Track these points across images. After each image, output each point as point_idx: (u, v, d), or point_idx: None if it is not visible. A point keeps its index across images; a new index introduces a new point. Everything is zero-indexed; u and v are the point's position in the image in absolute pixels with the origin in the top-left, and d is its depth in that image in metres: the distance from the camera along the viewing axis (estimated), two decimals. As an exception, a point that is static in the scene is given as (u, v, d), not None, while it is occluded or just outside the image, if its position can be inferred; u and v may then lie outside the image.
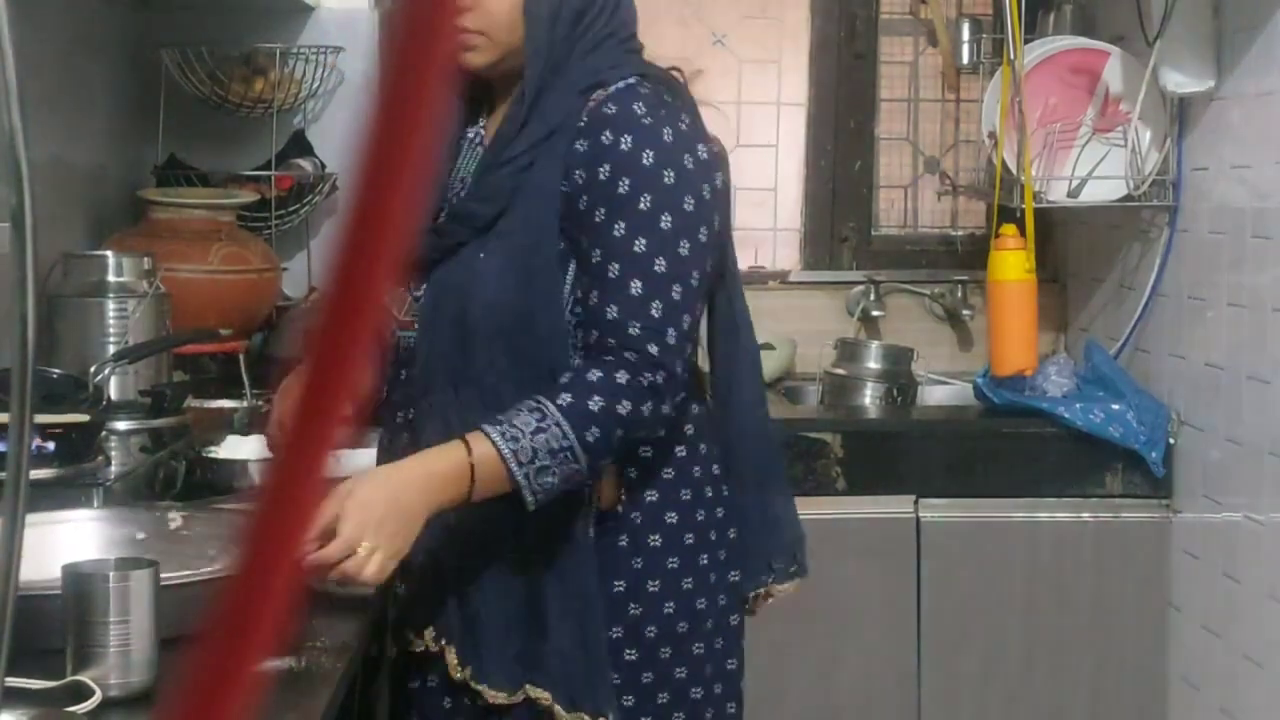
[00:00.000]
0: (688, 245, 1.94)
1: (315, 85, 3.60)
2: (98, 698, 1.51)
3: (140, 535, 1.98)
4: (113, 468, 2.29)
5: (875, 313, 4.03)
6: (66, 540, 1.89)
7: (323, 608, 1.87)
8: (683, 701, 2.05)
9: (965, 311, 4.04)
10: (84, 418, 2.25)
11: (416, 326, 2.00)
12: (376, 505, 1.78)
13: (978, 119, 3.75)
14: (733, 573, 2.12)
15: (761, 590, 2.20)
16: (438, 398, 1.98)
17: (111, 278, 2.80)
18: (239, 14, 3.57)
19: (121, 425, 2.46)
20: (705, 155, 2.00)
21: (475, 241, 1.98)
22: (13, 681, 1.44)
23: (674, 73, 2.14)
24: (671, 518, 2.03)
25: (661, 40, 4.17)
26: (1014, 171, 3.46)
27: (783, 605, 3.26)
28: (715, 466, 2.10)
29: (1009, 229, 3.44)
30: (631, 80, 2.00)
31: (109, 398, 2.53)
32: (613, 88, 1.98)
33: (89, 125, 3.26)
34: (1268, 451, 2.92)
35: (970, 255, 4.03)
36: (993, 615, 3.36)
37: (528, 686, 1.96)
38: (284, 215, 3.55)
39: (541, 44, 1.99)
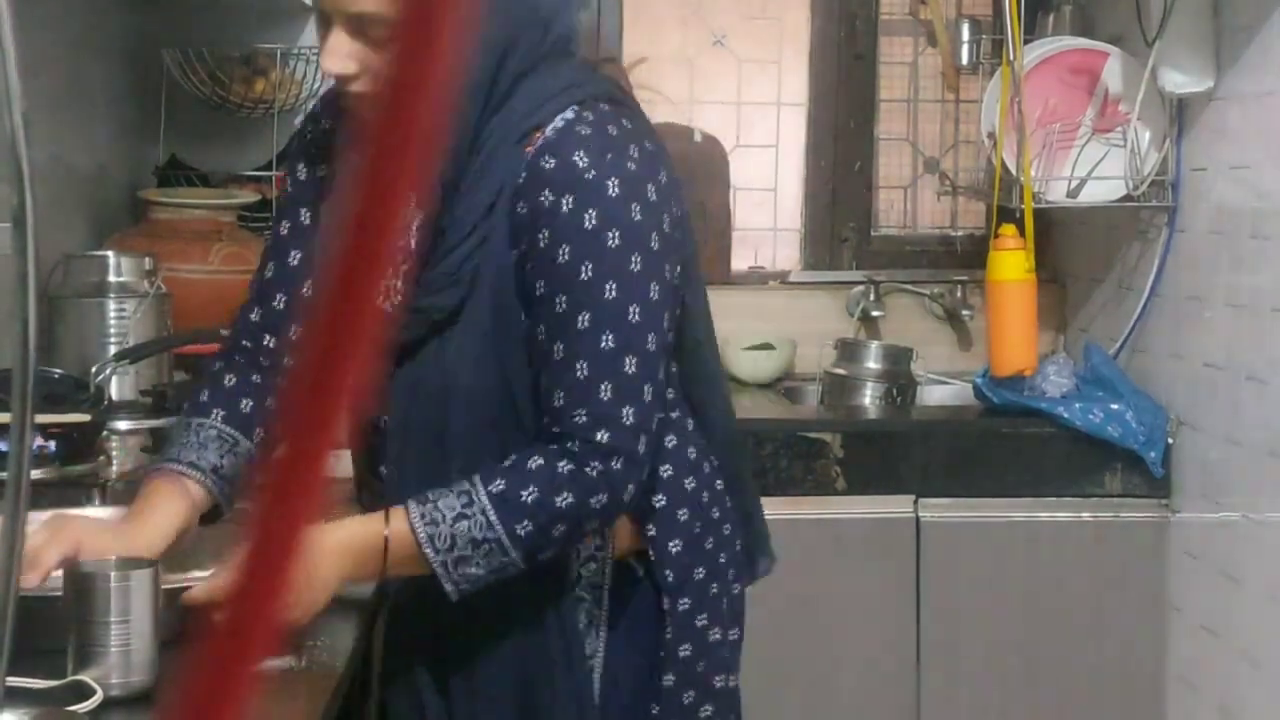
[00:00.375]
0: (638, 310, 1.78)
1: (316, 86, 3.60)
2: (99, 697, 1.52)
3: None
4: (113, 468, 2.29)
5: (875, 313, 4.03)
6: (67, 540, 1.89)
7: (323, 607, 1.87)
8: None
9: (965, 311, 4.04)
10: (85, 418, 2.26)
11: (388, 426, 1.85)
12: (315, 582, 1.69)
13: (977, 119, 3.75)
14: (734, 586, 2.05)
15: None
16: (410, 492, 1.80)
17: (112, 278, 2.81)
18: (240, 14, 3.57)
19: (122, 425, 2.46)
20: (654, 195, 1.80)
21: (442, 334, 1.82)
22: (14, 681, 1.44)
23: (608, 64, 1.95)
24: (700, 572, 1.93)
25: (662, 40, 4.17)
26: (1013, 172, 3.46)
27: (783, 605, 3.27)
28: (719, 482, 2.00)
29: (1008, 229, 3.44)
30: (569, 116, 1.79)
31: (110, 398, 2.53)
32: (549, 129, 1.78)
33: (90, 125, 3.26)
34: (1267, 452, 2.92)
35: (970, 255, 4.03)
36: (992, 615, 3.36)
37: None
38: (284, 215, 3.54)
39: (469, 114, 1.78)
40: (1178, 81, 3.22)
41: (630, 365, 1.77)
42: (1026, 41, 3.46)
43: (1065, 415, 3.31)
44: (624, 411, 1.76)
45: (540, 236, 1.77)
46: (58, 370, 2.52)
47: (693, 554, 1.94)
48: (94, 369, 2.49)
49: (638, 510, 1.87)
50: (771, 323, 4.01)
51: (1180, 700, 3.31)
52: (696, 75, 4.12)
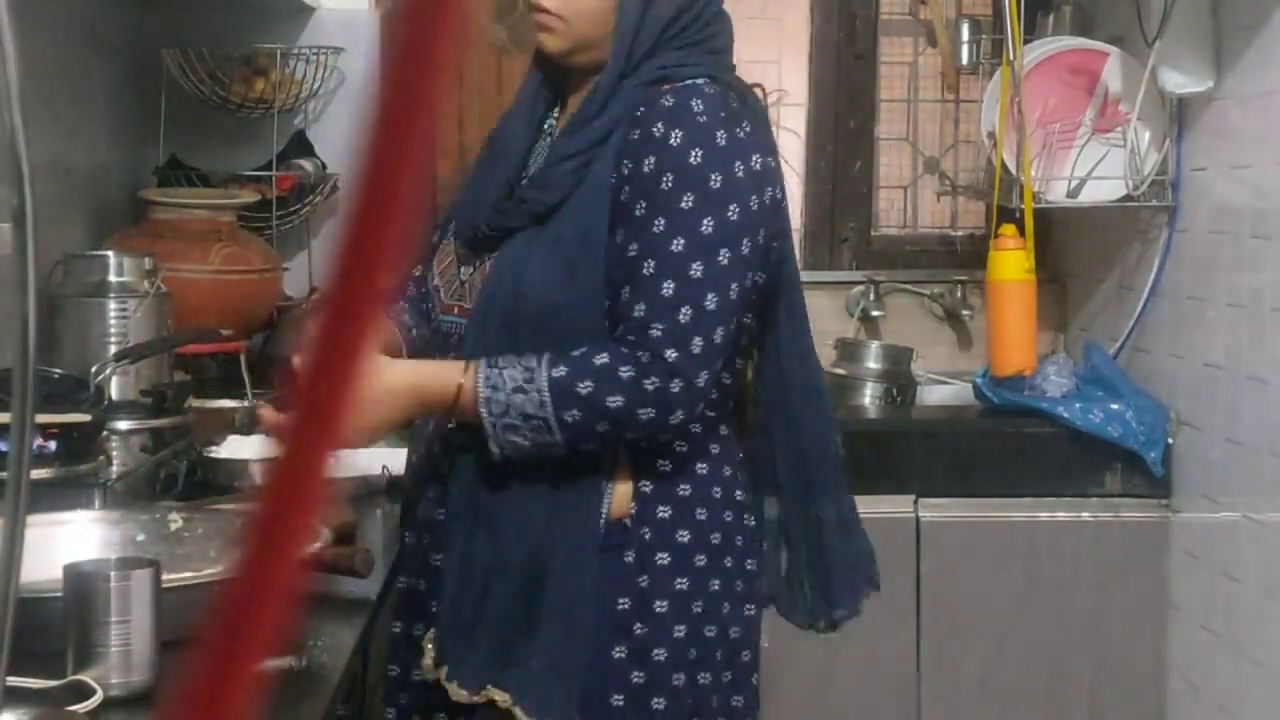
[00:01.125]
0: (728, 255, 1.88)
1: (316, 86, 3.60)
2: (99, 697, 1.52)
3: (140, 536, 1.98)
4: (114, 468, 2.29)
5: (875, 313, 4.04)
6: (67, 540, 1.90)
7: (323, 608, 1.88)
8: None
9: (965, 311, 4.04)
10: (85, 418, 2.26)
11: (468, 312, 1.99)
12: (372, 390, 1.83)
13: (977, 119, 3.75)
14: (748, 607, 2.04)
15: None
16: None
17: (113, 278, 2.80)
18: (240, 14, 3.57)
19: (122, 425, 2.46)
20: (759, 167, 1.92)
21: (530, 231, 1.95)
22: (14, 681, 1.44)
23: (755, 88, 2.08)
24: (683, 536, 1.96)
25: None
26: (1013, 172, 3.46)
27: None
28: (739, 493, 2.02)
29: (1008, 229, 3.44)
30: (700, 80, 1.94)
31: (110, 398, 2.53)
32: (678, 84, 1.93)
33: (90, 125, 3.26)
34: (1267, 451, 2.92)
35: (970, 255, 4.04)
36: (992, 614, 3.36)
37: (490, 688, 1.90)
38: (285, 215, 3.55)
39: (624, 48, 1.95)
40: (1178, 81, 3.22)
41: (711, 301, 1.86)
42: (1026, 41, 3.46)
43: (1065, 415, 3.31)
44: (695, 340, 1.85)
45: (646, 162, 1.88)
46: (58, 370, 2.51)
47: (686, 531, 1.96)
48: (94, 369, 2.49)
49: (638, 462, 1.94)
50: (771, 323, 4.01)
51: (1180, 700, 3.31)
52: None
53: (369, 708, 2.14)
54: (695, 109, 1.90)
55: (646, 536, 1.94)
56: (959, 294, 4.06)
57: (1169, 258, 3.41)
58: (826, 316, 4.04)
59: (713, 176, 1.87)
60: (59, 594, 1.57)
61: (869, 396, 3.76)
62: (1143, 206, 3.47)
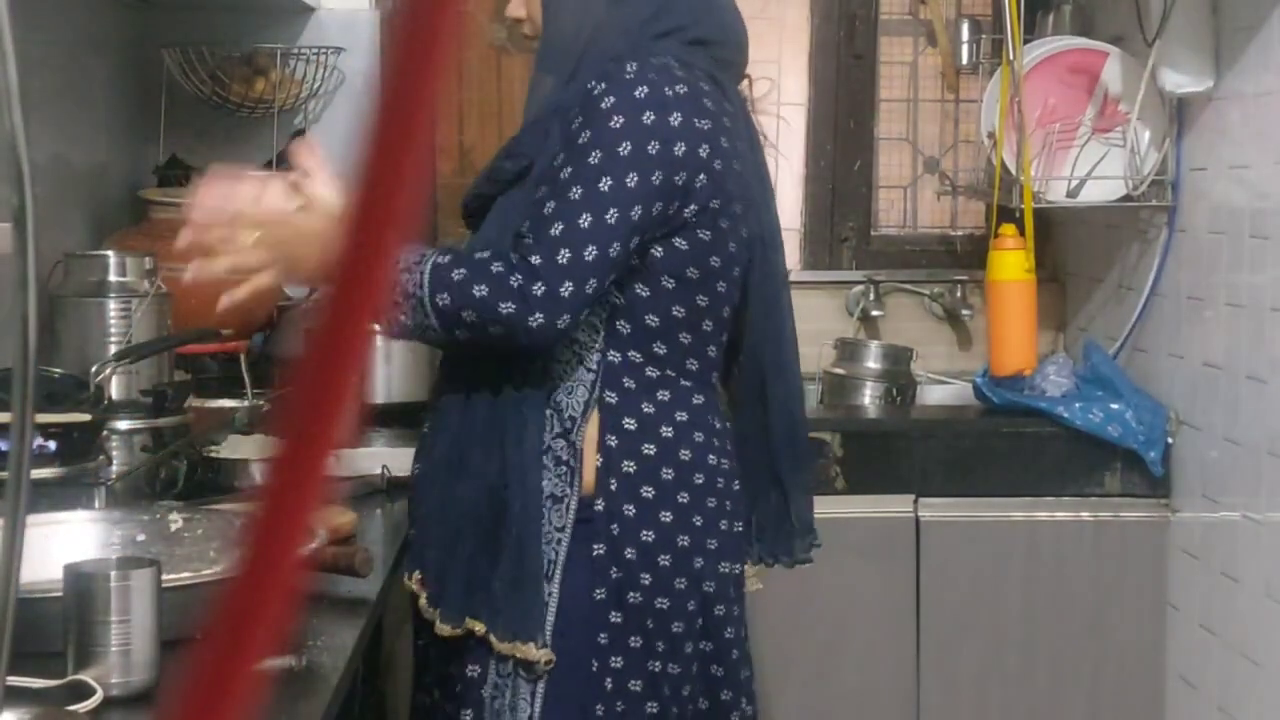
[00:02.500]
0: (609, 183, 1.99)
1: (316, 85, 3.60)
2: (99, 697, 1.52)
3: (140, 536, 1.98)
4: (114, 467, 2.29)
5: (875, 312, 4.04)
6: (67, 540, 1.89)
7: (323, 608, 1.88)
8: (656, 679, 2.09)
9: (964, 311, 4.05)
10: (85, 417, 2.25)
11: None
12: (291, 234, 2.02)
13: (977, 119, 3.75)
14: (724, 564, 2.15)
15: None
16: None
17: (113, 277, 2.80)
18: (240, 14, 3.57)
19: (123, 425, 2.46)
20: (680, 152, 2.03)
21: (503, 197, 2.11)
22: (14, 681, 1.44)
23: (727, 66, 2.21)
24: (648, 492, 2.08)
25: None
26: (1013, 171, 3.46)
27: (783, 605, 3.27)
28: (713, 457, 2.13)
29: (1008, 229, 3.44)
30: (657, 60, 2.05)
31: (110, 397, 2.53)
32: (634, 57, 2.06)
33: (90, 125, 3.26)
34: (1266, 451, 2.92)
35: (970, 255, 4.04)
36: (992, 614, 3.36)
37: (467, 619, 2.05)
38: (284, 215, 3.54)
39: (565, 41, 2.10)
40: (1177, 81, 3.22)
41: (584, 220, 1.98)
42: (1026, 41, 3.46)
43: (1065, 415, 3.31)
44: (561, 253, 1.97)
45: (575, 119, 2.02)
46: (58, 370, 2.51)
47: (651, 488, 2.08)
48: (94, 369, 2.49)
49: (605, 420, 2.06)
50: (771, 322, 4.01)
51: (1180, 700, 3.32)
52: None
53: (370, 708, 2.15)
54: (628, 70, 2.02)
55: (613, 487, 2.07)
56: (959, 294, 4.06)
57: (1168, 257, 3.41)
58: (826, 316, 4.04)
59: (614, 118, 2.00)
60: (59, 594, 1.57)
61: (869, 396, 3.76)
62: (1142, 206, 3.47)
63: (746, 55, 2.29)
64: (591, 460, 2.06)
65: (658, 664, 2.08)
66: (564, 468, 2.05)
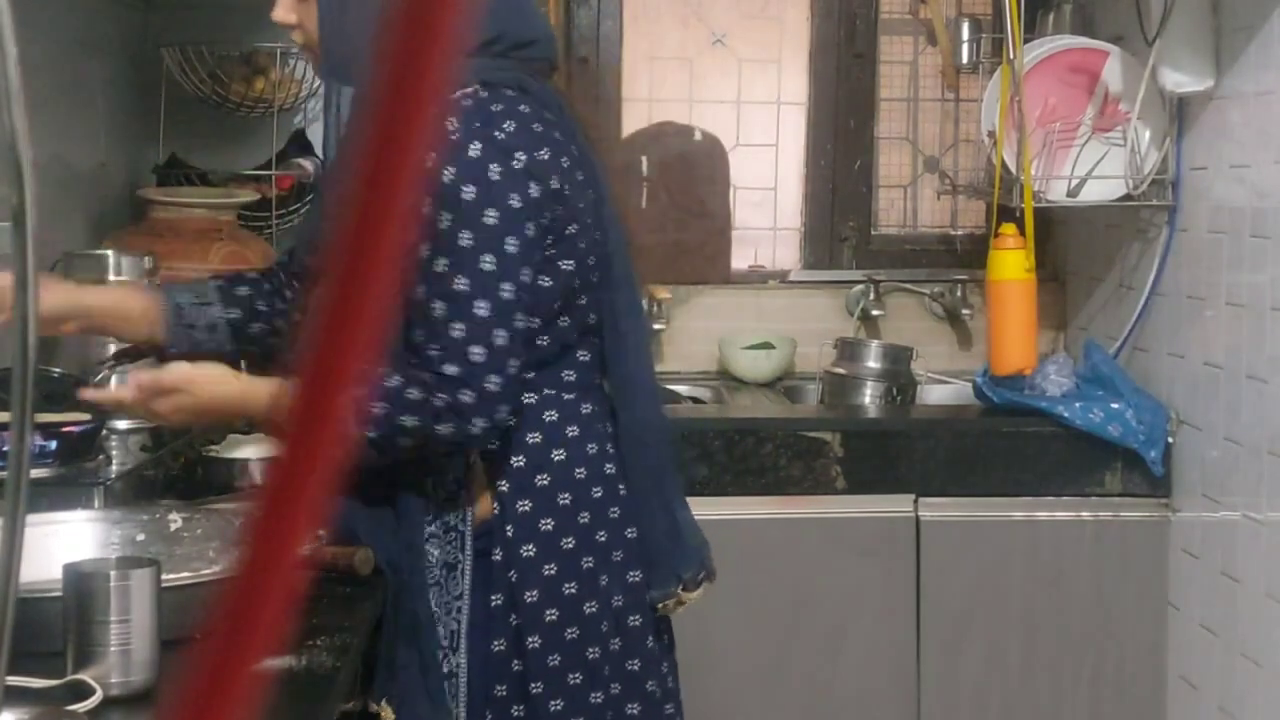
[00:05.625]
0: (492, 259, 1.94)
1: (315, 85, 3.60)
2: (98, 696, 1.52)
3: (140, 536, 1.98)
4: (113, 467, 2.29)
5: (875, 312, 4.04)
6: (67, 540, 1.89)
7: (323, 607, 1.87)
8: (580, 705, 2.06)
9: (965, 311, 4.04)
10: (85, 417, 2.25)
11: None
12: (201, 404, 1.99)
13: (977, 118, 3.75)
14: (631, 573, 2.12)
15: (671, 600, 2.19)
16: None
17: (112, 277, 2.80)
18: (239, 13, 3.56)
19: (122, 424, 2.46)
20: (519, 165, 1.97)
21: None
22: (14, 680, 1.44)
23: (553, 71, 2.14)
24: (547, 524, 2.05)
25: (662, 40, 4.17)
26: (1013, 171, 3.46)
27: (783, 604, 3.27)
28: (609, 466, 2.10)
29: (1008, 228, 3.44)
30: (467, 92, 2.00)
31: (109, 397, 2.52)
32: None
33: (89, 125, 3.26)
34: (1266, 450, 2.92)
35: (970, 254, 4.04)
36: (992, 614, 3.36)
37: (384, 701, 2.01)
38: (284, 215, 3.55)
39: (331, 53, 2.08)
40: (1178, 80, 3.22)
41: (481, 308, 1.93)
42: (1026, 40, 3.46)
43: (1065, 414, 3.31)
44: (472, 350, 1.93)
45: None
46: (58, 370, 2.51)
47: (550, 519, 2.05)
48: (94, 368, 2.49)
49: (493, 464, 2.03)
50: (771, 322, 4.01)
51: (1180, 700, 3.31)
52: (696, 75, 4.12)
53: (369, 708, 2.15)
54: (449, 128, 1.94)
55: (510, 533, 2.04)
56: (959, 293, 4.06)
57: (1169, 257, 3.40)
58: (826, 316, 4.04)
59: (464, 189, 1.94)
60: (59, 594, 1.57)
61: (869, 396, 3.76)
62: (1143, 206, 3.46)
63: (557, 49, 2.20)
64: (486, 501, 2.05)
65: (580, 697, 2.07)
66: (453, 534, 2.03)
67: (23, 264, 0.79)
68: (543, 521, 2.05)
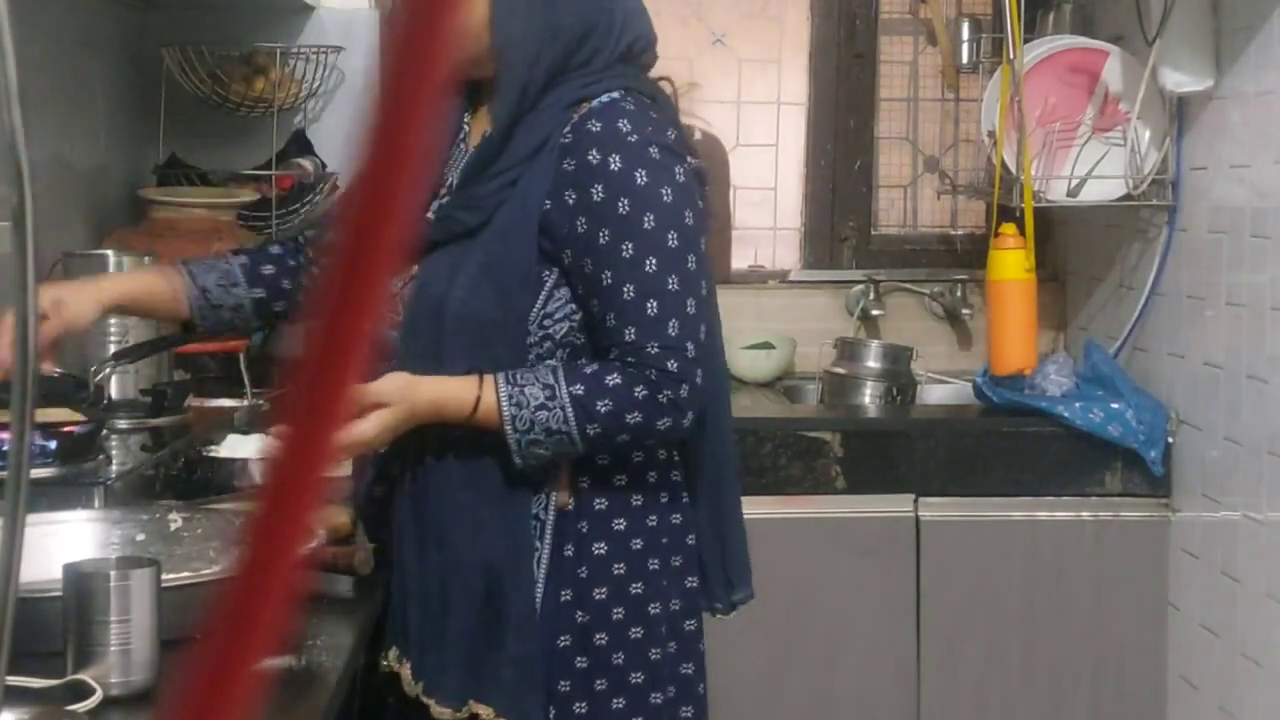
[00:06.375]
0: (694, 259, 2.00)
1: (316, 85, 3.60)
2: (98, 696, 1.52)
3: (140, 536, 1.98)
4: (113, 467, 2.29)
5: (875, 312, 4.04)
6: (67, 540, 1.89)
7: (323, 607, 1.88)
8: (640, 706, 2.07)
9: (965, 311, 4.04)
10: (84, 417, 2.25)
11: (396, 324, 2.05)
12: (395, 409, 1.93)
13: (977, 118, 3.75)
14: (690, 579, 2.13)
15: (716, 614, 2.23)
16: None
17: (112, 277, 2.80)
18: (239, 13, 3.57)
19: (122, 424, 2.46)
20: (683, 178, 2.02)
21: (456, 245, 2.03)
22: (14, 680, 1.44)
23: (663, 83, 2.16)
24: (619, 524, 2.06)
25: (662, 40, 4.16)
26: (1013, 171, 3.46)
27: (783, 604, 3.27)
28: (675, 473, 2.12)
29: (1008, 228, 3.44)
30: (616, 95, 2.02)
31: (109, 397, 2.53)
32: (596, 102, 2.01)
33: (89, 124, 3.26)
34: (1266, 450, 2.92)
35: (970, 254, 4.04)
36: (992, 614, 3.36)
37: (472, 702, 1.99)
38: (284, 214, 3.54)
39: (519, 69, 2.02)
40: (1178, 80, 3.22)
41: (690, 306, 1.98)
42: (1026, 40, 3.46)
43: (1065, 414, 3.31)
44: (688, 346, 1.97)
45: (594, 190, 1.97)
46: (58, 369, 2.51)
47: (623, 519, 2.06)
48: (94, 368, 2.49)
49: (580, 459, 2.03)
50: (771, 322, 4.01)
51: (1180, 700, 3.31)
52: (696, 75, 4.12)
53: (369, 708, 2.14)
54: (624, 130, 1.99)
55: (584, 529, 2.05)
56: (959, 293, 4.06)
57: (1169, 257, 3.41)
58: (826, 316, 4.04)
59: (663, 192, 1.98)
60: (59, 593, 1.57)
61: (869, 396, 3.76)
62: (1143, 206, 3.47)
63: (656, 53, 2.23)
64: (563, 500, 2.05)
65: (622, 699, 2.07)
66: (535, 522, 2.04)
67: (23, 264, 0.79)
68: (615, 521, 2.06)
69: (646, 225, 1.97)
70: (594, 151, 1.97)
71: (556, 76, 2.02)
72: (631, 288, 1.97)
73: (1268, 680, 2.93)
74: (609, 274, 1.97)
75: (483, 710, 1.99)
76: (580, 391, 1.94)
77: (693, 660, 2.14)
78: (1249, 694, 3.00)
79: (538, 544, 2.03)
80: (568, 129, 1.99)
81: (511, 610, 1.99)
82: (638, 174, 1.97)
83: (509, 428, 1.95)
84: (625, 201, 1.96)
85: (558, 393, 1.94)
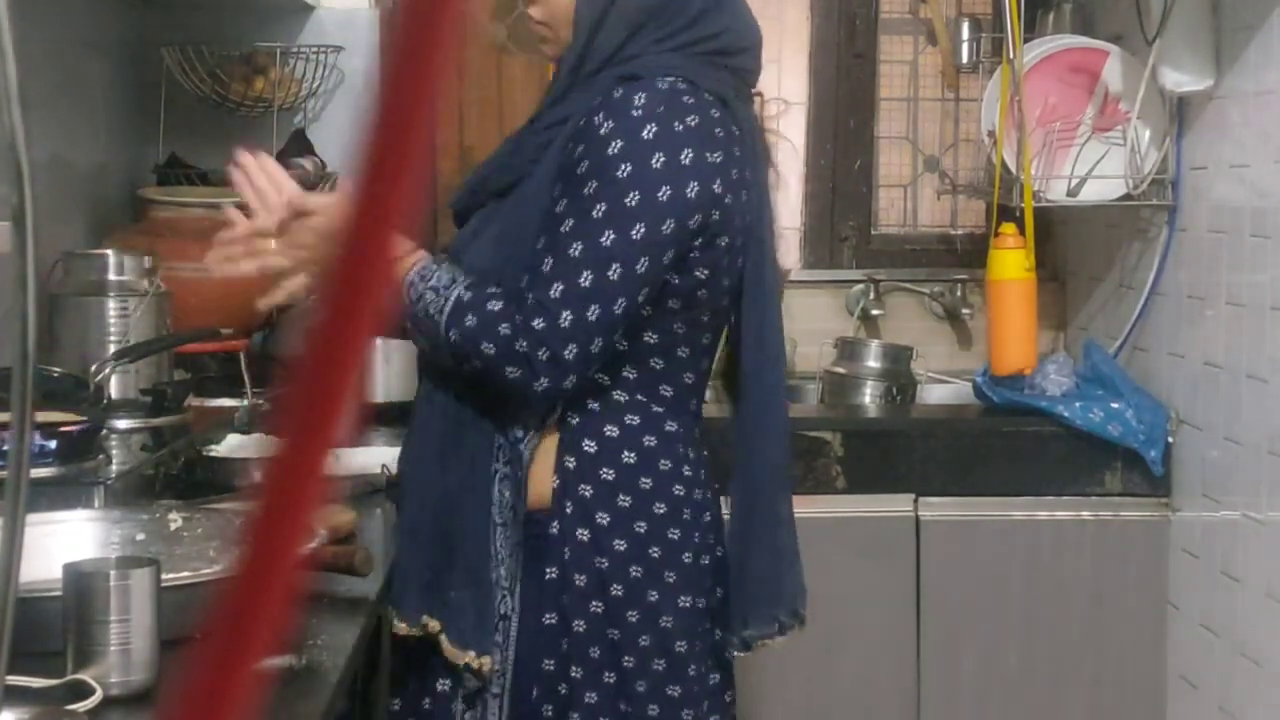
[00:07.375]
0: (612, 236, 1.95)
1: (315, 84, 3.60)
2: (98, 696, 1.51)
3: (140, 535, 1.98)
4: (113, 467, 2.29)
5: (875, 312, 4.04)
6: (67, 540, 1.89)
7: (323, 608, 1.87)
8: (607, 708, 2.04)
9: (965, 310, 4.05)
10: (84, 417, 2.25)
11: None
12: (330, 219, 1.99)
13: (977, 118, 3.75)
14: (684, 598, 2.08)
15: (756, 643, 2.16)
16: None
17: (112, 276, 2.80)
18: (239, 13, 3.57)
19: (122, 424, 2.46)
20: (687, 160, 1.96)
21: (489, 207, 2.08)
22: (13, 680, 1.44)
23: (755, 95, 2.16)
24: (602, 519, 2.04)
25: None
26: (1013, 170, 3.46)
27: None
28: (679, 488, 2.07)
29: (1008, 228, 3.44)
30: (659, 77, 1.99)
31: (110, 396, 2.53)
32: (642, 80, 1.99)
33: (89, 124, 3.26)
34: (1266, 450, 2.92)
35: (970, 254, 4.04)
36: (992, 614, 3.36)
37: (424, 616, 2.03)
38: (284, 214, 3.54)
39: (580, 42, 2.04)
40: (1178, 80, 3.22)
41: (586, 279, 1.94)
42: (1026, 40, 3.46)
43: (1065, 414, 3.31)
44: (564, 315, 1.94)
45: (578, 149, 1.97)
46: (58, 369, 2.51)
47: (605, 515, 2.04)
48: (94, 368, 2.49)
49: (567, 437, 2.04)
50: (771, 322, 4.01)
51: (1180, 699, 3.31)
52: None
53: (369, 708, 2.14)
54: (635, 102, 1.96)
55: (568, 510, 2.04)
56: (959, 293, 4.06)
57: (1169, 257, 3.40)
58: (826, 315, 4.04)
59: (622, 166, 1.94)
60: (58, 593, 1.57)
61: (869, 395, 3.76)
62: (1143, 205, 3.47)
63: (761, 62, 2.22)
64: (548, 480, 2.03)
65: (611, 700, 2.05)
66: (515, 483, 2.04)
67: (23, 264, 0.79)
68: (599, 515, 2.04)
69: (586, 190, 1.96)
70: (600, 114, 1.97)
71: (618, 53, 2.02)
72: (543, 240, 1.97)
73: (1268, 680, 2.93)
74: (543, 239, 1.98)
75: (432, 624, 2.03)
76: (466, 298, 1.97)
77: (680, 684, 2.08)
78: (1249, 694, 3.00)
79: (521, 502, 2.03)
80: (601, 96, 1.98)
81: (465, 549, 2.02)
82: (613, 144, 1.95)
83: (404, 289, 1.99)
84: (585, 164, 1.96)
85: (454, 287, 1.98)
